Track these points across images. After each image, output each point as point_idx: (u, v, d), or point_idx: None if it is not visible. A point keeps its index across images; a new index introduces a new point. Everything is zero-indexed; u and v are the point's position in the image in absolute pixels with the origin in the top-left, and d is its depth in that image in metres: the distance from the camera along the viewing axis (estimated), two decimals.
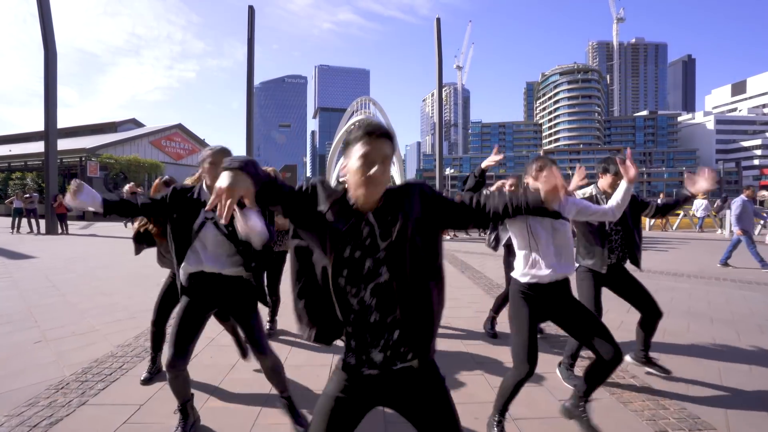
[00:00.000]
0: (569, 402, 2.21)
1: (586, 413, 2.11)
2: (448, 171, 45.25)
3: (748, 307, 4.63)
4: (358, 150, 1.11)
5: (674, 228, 15.36)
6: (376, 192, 1.10)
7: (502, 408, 2.04)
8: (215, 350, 3.21)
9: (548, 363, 2.86)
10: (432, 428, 1.15)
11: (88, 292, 5.17)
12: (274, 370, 2.12)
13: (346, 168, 1.14)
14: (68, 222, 14.19)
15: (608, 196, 2.73)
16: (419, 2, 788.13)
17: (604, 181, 2.85)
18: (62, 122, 14.48)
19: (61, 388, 2.53)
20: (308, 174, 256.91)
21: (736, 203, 7.58)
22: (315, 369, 2.89)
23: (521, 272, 2.09)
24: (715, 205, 16.26)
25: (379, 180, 1.08)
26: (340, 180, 1.27)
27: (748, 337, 3.60)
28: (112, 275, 6.38)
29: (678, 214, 16.22)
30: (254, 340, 2.06)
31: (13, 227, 13.92)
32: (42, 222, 14.02)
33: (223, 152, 2.04)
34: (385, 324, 1.11)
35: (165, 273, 2.73)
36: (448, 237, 12.26)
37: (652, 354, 2.88)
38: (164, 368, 2.01)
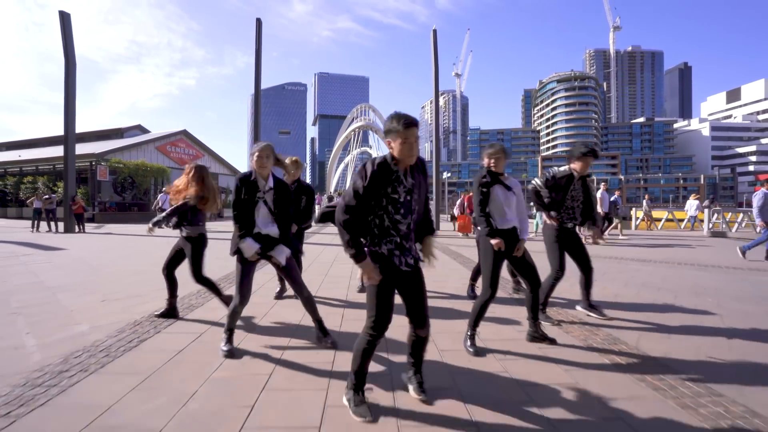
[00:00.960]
0: (529, 331, 3.00)
1: (538, 331, 2.94)
2: (446, 175, 45.94)
3: (695, 281, 5.39)
4: (401, 135, 1.87)
5: (659, 228, 16.12)
6: (412, 160, 1.91)
7: (474, 324, 2.84)
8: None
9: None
10: (416, 300, 1.99)
11: (125, 270, 5.91)
12: (308, 301, 2.91)
13: (391, 145, 1.90)
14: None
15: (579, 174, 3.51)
16: (418, 10, 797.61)
17: (574, 165, 3.53)
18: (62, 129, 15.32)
19: (137, 324, 3.29)
20: (308, 179, 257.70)
21: (758, 196, 7.73)
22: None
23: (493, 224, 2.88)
24: (703, 204, 17.49)
25: (416, 152, 1.90)
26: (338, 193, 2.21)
27: (682, 300, 4.36)
28: (142, 260, 7.13)
29: (665, 216, 17.03)
30: (291, 278, 2.87)
31: (33, 227, 14.65)
32: (58, 222, 14.76)
33: (268, 147, 2.86)
34: (410, 238, 1.98)
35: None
36: (461, 235, 12.99)
37: (594, 303, 3.67)
38: (231, 306, 2.78)
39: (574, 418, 1.94)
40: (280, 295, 4.41)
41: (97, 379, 2.35)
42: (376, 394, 2.17)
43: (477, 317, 2.85)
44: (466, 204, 12.53)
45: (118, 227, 17.12)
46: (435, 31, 15.07)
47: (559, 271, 3.45)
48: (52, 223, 14.73)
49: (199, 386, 2.26)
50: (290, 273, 2.88)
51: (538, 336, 2.95)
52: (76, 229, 14.47)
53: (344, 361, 2.54)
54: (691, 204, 15.60)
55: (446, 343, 2.96)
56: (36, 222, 14.78)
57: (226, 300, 3.58)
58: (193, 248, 3.49)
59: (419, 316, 2.04)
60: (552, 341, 2.92)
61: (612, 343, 2.94)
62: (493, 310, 3.58)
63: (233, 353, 2.73)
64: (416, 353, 2.14)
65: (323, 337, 2.94)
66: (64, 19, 14.03)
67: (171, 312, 3.61)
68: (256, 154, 2.79)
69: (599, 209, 10.75)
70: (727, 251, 8.67)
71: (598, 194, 11.13)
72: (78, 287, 4.89)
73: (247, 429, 1.85)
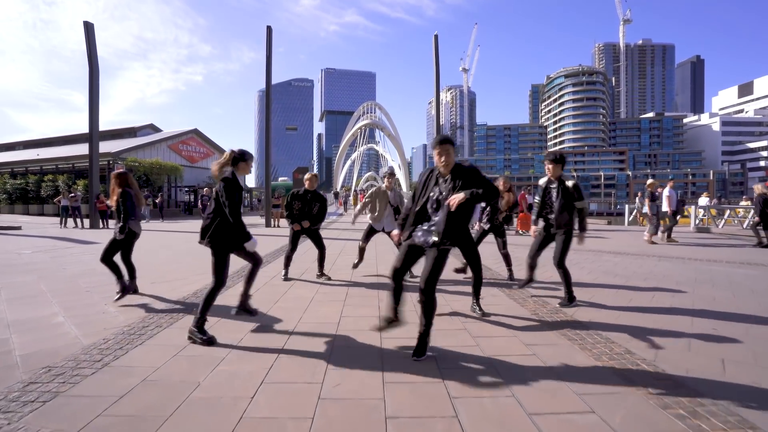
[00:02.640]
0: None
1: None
2: None
3: (651, 270, 6.20)
4: (435, 150, 2.86)
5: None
6: (448, 168, 2.82)
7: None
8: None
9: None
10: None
11: (157, 260, 6.88)
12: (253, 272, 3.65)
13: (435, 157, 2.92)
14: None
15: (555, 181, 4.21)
16: (425, 3, 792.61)
17: (551, 172, 4.22)
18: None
19: (187, 301, 4.24)
20: None
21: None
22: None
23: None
24: (712, 203, 18.23)
25: (448, 162, 2.82)
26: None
27: (634, 282, 5.21)
28: (168, 252, 8.11)
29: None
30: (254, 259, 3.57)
31: (61, 223, 15.82)
32: (84, 218, 15.91)
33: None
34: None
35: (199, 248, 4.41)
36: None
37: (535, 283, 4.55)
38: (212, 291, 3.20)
39: (503, 354, 2.83)
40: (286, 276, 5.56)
41: (171, 331, 3.29)
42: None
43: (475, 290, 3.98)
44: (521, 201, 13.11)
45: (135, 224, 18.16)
46: (436, 37, 15.80)
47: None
48: (78, 220, 15.87)
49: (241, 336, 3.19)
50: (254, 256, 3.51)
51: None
52: (101, 225, 15.59)
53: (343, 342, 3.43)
54: (701, 202, 16.39)
55: None
56: (64, 218, 15.93)
57: (124, 285, 4.33)
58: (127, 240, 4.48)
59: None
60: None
61: (556, 313, 3.82)
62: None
63: (212, 341, 3.01)
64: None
65: (242, 310, 3.60)
66: (89, 29, 15.07)
67: (124, 292, 4.30)
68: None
69: (666, 208, 10.38)
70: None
71: (666, 192, 10.56)
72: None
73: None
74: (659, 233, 10.42)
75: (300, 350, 2.91)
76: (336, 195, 43.31)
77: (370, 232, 5.65)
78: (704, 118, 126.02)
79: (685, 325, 3.51)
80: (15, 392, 2.23)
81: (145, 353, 2.82)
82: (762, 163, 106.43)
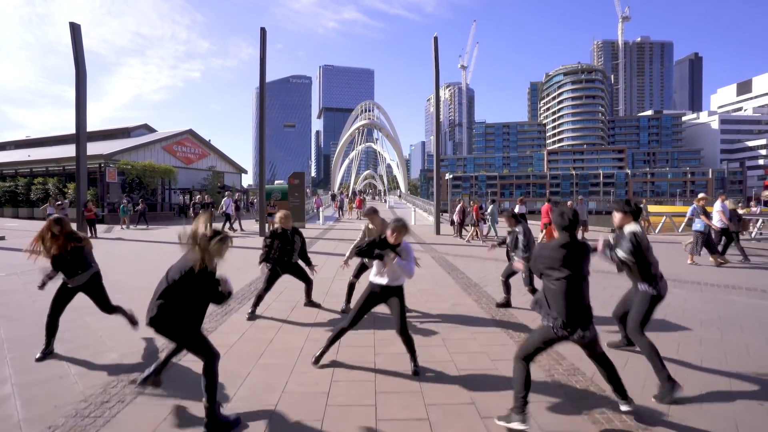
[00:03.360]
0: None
1: None
2: (448, 176, 46.10)
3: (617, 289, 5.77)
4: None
5: (656, 231, 16.37)
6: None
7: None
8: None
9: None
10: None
11: (141, 286, 6.39)
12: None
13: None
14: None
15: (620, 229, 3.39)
16: (424, 0, 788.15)
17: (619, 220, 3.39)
18: (72, 124, 15.77)
19: (162, 350, 3.76)
20: (314, 174, 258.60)
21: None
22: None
23: None
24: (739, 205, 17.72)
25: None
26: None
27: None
28: (154, 274, 7.62)
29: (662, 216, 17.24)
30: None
31: None
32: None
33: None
34: None
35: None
36: (464, 240, 13.48)
37: None
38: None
39: None
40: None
41: (133, 409, 2.83)
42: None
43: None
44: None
45: (126, 231, 17.67)
46: (436, 39, 15.30)
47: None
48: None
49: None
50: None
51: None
52: (89, 234, 15.08)
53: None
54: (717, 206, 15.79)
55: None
56: None
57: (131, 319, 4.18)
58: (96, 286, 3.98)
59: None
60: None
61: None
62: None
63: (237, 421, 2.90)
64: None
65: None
66: (75, 30, 14.48)
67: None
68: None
69: (715, 224, 8.92)
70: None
71: (717, 206, 9.16)
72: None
73: None
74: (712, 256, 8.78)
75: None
76: (333, 197, 42.63)
77: (363, 268, 5.27)
78: (703, 116, 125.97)
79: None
80: None
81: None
82: (761, 162, 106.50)
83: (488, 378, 3.35)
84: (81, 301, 5.77)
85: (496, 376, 3.37)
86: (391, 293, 3.45)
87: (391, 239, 3.35)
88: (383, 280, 3.45)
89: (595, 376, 3.38)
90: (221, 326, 4.66)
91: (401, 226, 3.37)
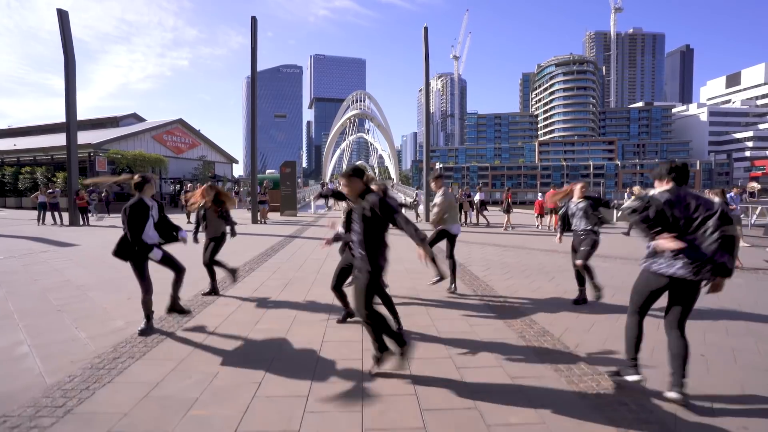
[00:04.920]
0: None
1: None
2: (438, 165, 46.29)
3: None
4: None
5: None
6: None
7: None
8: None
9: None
10: None
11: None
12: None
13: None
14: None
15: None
16: None
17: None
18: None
19: (162, 320, 4.08)
20: (305, 165, 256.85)
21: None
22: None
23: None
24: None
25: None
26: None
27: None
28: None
29: None
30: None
31: (39, 220, 15.29)
32: (63, 214, 15.42)
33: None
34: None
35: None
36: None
37: None
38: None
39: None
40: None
41: (143, 364, 3.13)
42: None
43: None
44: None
45: (118, 219, 17.71)
46: (426, 29, 15.47)
47: None
48: (57, 216, 15.36)
49: (219, 368, 3.05)
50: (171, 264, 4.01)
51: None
52: (81, 222, 15.14)
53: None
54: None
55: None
56: (41, 215, 15.40)
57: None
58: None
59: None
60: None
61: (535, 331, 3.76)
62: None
63: (146, 332, 3.73)
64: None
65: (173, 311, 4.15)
66: (63, 17, 14.34)
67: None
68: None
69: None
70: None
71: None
72: (104, 285, 5.65)
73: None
74: None
75: (279, 389, 2.78)
76: (323, 185, 42.60)
77: (440, 236, 5.47)
78: (692, 108, 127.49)
79: None
80: None
81: (112, 394, 2.66)
82: (747, 153, 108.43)
83: (466, 340, 3.71)
84: (82, 278, 6.05)
85: (473, 340, 3.73)
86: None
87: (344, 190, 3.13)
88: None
89: (563, 336, 3.77)
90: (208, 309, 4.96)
91: (349, 173, 2.99)
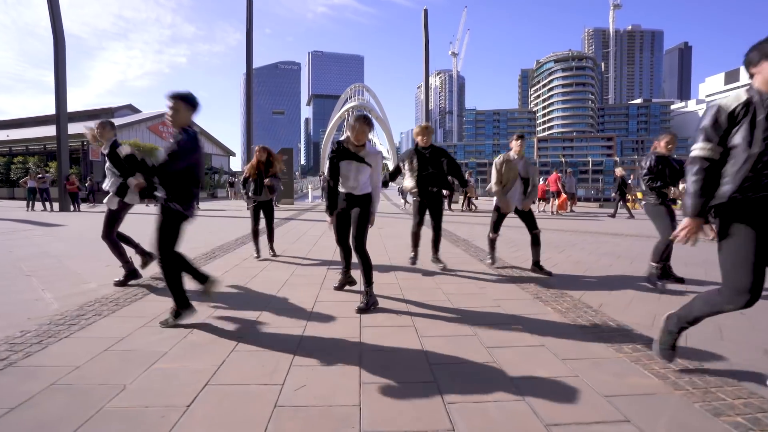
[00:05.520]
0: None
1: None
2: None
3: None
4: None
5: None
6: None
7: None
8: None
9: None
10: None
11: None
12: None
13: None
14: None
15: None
16: None
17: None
18: (52, 109, 15.34)
19: (140, 284, 3.69)
20: (302, 161, 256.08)
21: None
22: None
23: None
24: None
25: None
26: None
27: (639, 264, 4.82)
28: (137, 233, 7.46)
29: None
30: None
31: (27, 206, 14.86)
32: (52, 201, 14.99)
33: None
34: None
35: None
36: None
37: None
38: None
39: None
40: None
41: (110, 320, 2.75)
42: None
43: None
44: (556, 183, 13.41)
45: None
46: (426, 11, 15.07)
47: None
48: (47, 203, 14.93)
49: (195, 324, 2.67)
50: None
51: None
52: (71, 208, 14.71)
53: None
54: None
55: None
56: (31, 201, 14.97)
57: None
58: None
59: None
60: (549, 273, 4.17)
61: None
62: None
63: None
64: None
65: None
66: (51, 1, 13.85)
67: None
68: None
69: None
70: None
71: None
72: (83, 255, 5.27)
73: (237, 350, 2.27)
74: None
75: (263, 343, 2.41)
76: (321, 175, 42.36)
77: (501, 217, 4.53)
78: (691, 105, 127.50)
79: None
80: None
81: (67, 348, 2.28)
82: None
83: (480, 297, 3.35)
84: (60, 250, 5.66)
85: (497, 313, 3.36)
86: (356, 202, 3.19)
87: (352, 138, 3.10)
88: (347, 189, 3.21)
89: (584, 297, 3.41)
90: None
91: (360, 119, 3.10)
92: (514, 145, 4.35)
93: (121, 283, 3.69)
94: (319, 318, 2.86)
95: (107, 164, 3.78)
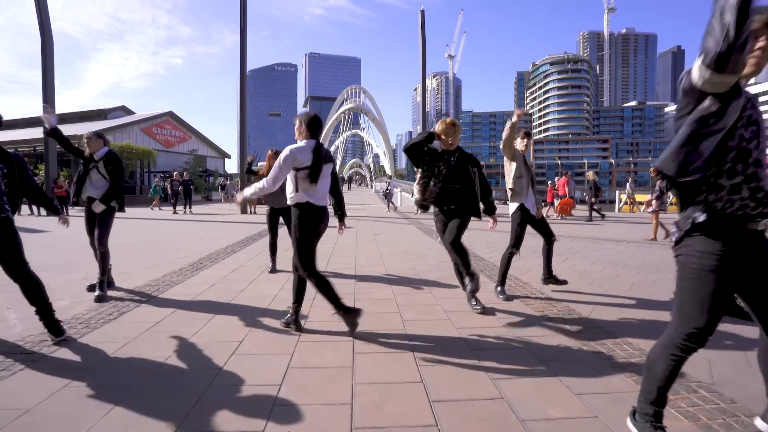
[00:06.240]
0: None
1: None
2: None
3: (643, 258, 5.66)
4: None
5: (642, 210, 16.48)
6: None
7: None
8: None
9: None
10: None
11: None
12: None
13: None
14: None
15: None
16: None
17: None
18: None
19: (118, 300, 3.42)
20: None
21: None
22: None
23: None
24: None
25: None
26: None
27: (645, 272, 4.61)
28: (122, 240, 7.17)
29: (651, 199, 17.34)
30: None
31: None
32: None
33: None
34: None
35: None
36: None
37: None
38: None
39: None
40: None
41: (75, 347, 2.48)
42: None
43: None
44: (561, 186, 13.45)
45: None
46: (423, 12, 14.90)
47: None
48: (34, 207, 14.57)
49: (173, 349, 2.41)
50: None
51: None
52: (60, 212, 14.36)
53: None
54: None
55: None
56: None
57: None
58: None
59: None
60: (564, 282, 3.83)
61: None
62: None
63: (102, 298, 3.48)
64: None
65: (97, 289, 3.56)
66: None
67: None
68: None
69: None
70: None
71: None
72: (61, 266, 4.99)
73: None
74: None
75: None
76: None
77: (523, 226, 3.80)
78: None
79: None
80: None
81: (18, 387, 2.02)
82: None
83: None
84: (38, 259, 5.35)
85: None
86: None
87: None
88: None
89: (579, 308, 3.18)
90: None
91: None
92: (519, 144, 3.80)
93: (91, 288, 3.70)
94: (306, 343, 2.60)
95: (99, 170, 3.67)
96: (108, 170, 3.64)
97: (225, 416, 1.74)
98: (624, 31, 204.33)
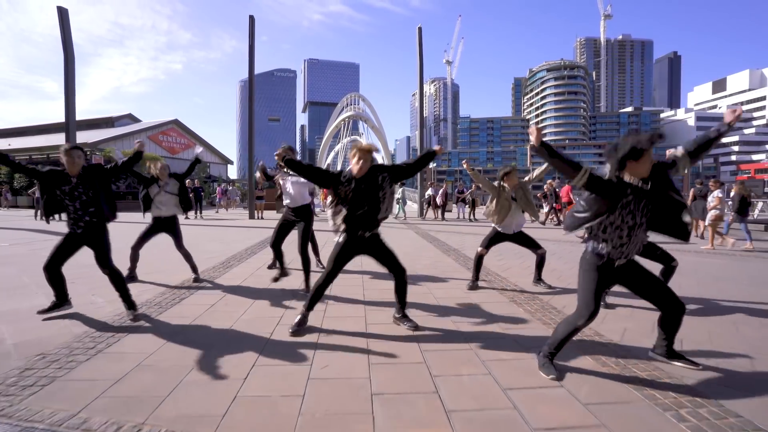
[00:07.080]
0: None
1: None
2: (432, 165, 46.65)
3: None
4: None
5: None
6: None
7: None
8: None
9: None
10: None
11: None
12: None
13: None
14: None
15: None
16: None
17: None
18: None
19: (172, 289, 4.32)
20: None
21: None
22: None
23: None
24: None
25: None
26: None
27: None
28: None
29: None
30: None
31: (36, 214, 15.37)
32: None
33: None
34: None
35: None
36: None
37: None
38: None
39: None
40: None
41: (156, 321, 3.38)
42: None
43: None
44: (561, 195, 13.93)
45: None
46: (420, 29, 15.88)
47: None
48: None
49: (232, 322, 3.31)
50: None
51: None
52: None
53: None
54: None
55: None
56: (39, 210, 15.45)
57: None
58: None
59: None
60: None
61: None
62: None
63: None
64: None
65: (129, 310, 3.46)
66: (63, 14, 14.51)
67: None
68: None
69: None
70: None
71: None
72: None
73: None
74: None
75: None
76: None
77: (496, 238, 4.48)
78: (680, 113, 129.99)
79: None
80: (12, 378, 2.31)
81: (136, 341, 2.92)
82: (733, 158, 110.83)
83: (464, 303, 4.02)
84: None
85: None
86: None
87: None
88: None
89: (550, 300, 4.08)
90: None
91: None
92: (508, 183, 4.36)
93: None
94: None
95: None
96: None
97: (284, 355, 2.64)
98: (620, 37, 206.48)
